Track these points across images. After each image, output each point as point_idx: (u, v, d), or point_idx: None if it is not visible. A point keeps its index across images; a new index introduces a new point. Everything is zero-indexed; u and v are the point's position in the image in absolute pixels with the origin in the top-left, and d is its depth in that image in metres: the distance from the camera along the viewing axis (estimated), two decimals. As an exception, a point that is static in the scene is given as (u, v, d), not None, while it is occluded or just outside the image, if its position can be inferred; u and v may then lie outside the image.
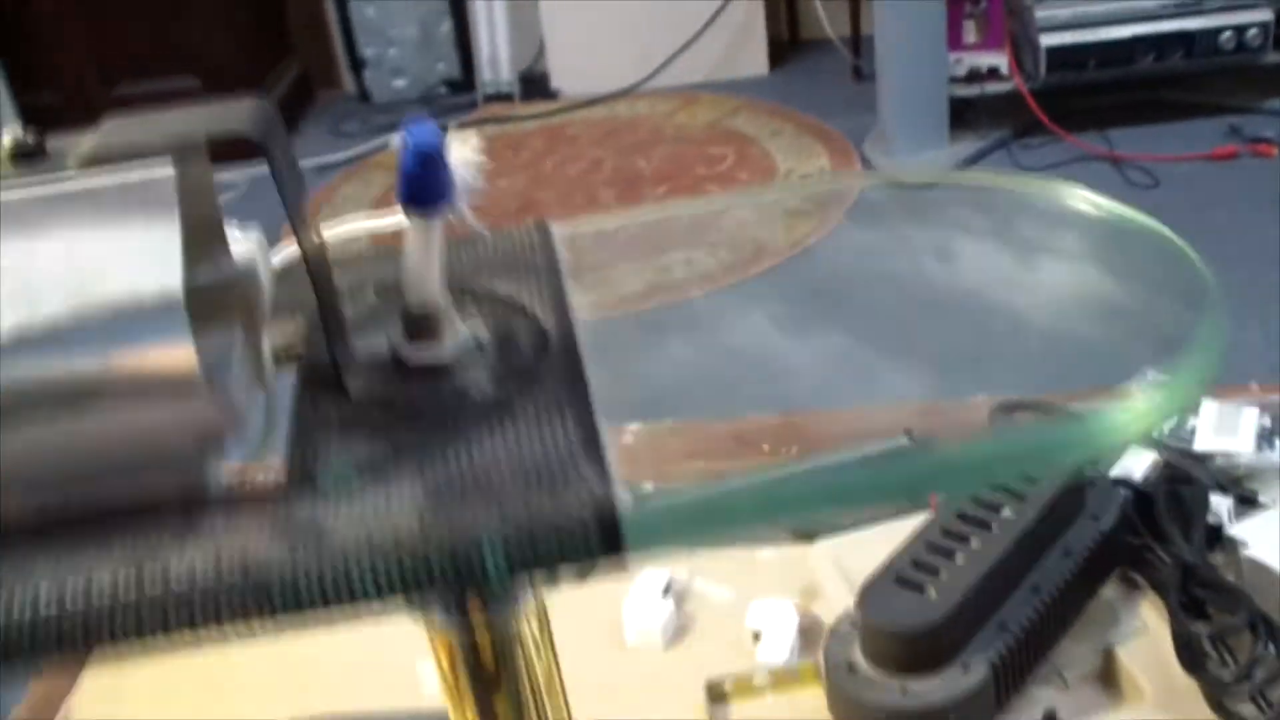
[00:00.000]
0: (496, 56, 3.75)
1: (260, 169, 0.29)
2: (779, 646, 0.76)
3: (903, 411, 0.97)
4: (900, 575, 0.68)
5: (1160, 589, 0.74)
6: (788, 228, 2.93)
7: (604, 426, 0.26)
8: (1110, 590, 0.76)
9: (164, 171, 0.28)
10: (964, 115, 2.97)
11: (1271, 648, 0.68)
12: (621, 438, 0.90)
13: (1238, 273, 2.18)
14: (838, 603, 0.76)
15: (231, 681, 0.81)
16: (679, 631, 0.80)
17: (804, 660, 0.76)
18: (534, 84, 3.77)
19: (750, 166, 3.23)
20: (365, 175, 3.47)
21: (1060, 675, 0.73)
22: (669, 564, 0.84)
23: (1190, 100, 2.98)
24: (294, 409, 0.28)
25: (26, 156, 0.29)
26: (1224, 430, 0.87)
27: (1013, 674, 0.69)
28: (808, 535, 0.85)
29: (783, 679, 0.75)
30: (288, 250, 0.33)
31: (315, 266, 0.29)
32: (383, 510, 0.24)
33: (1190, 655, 0.69)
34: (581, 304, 0.31)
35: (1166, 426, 0.89)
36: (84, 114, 0.41)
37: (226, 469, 0.26)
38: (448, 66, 3.87)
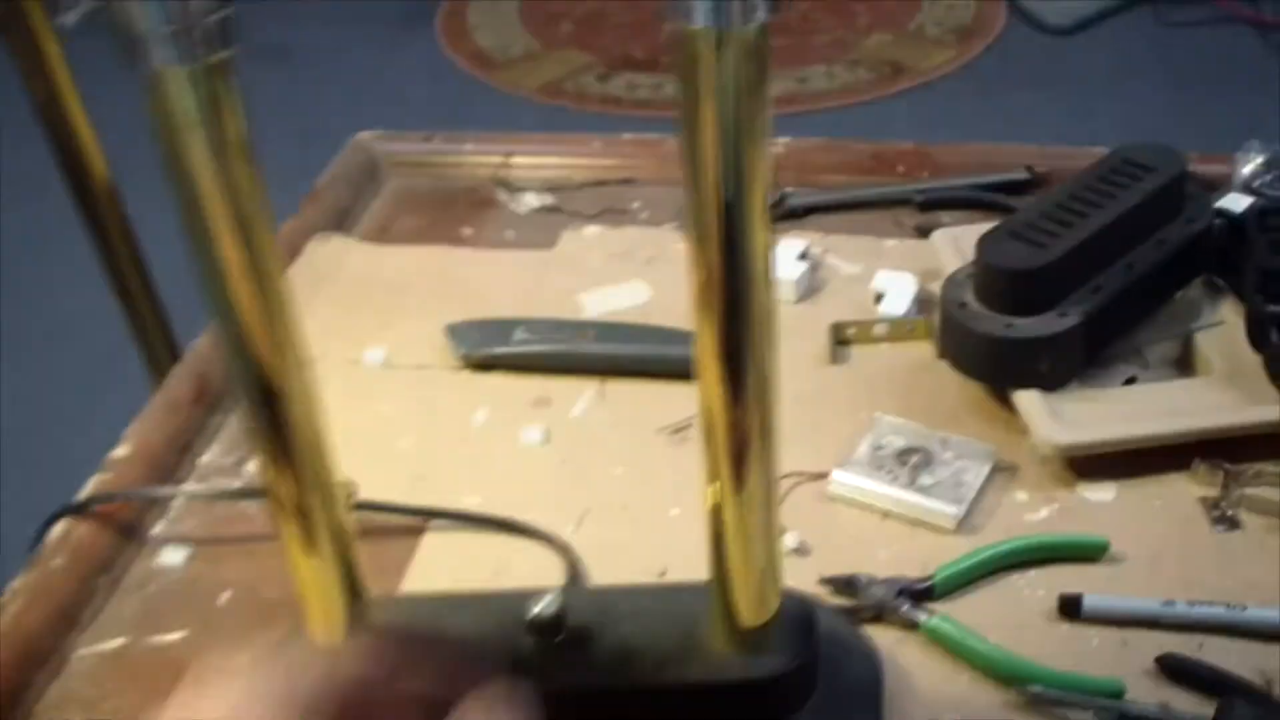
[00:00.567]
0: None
1: None
2: (899, 303, 0.88)
3: (1023, 151, 1.07)
4: (1015, 230, 0.79)
5: (1239, 288, 0.84)
6: (926, 55, 2.99)
7: None
8: (1195, 292, 0.86)
9: None
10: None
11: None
12: (773, 148, 1.02)
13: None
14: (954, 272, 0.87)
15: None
16: (810, 290, 0.92)
17: (919, 317, 0.87)
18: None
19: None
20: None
21: (1141, 354, 0.84)
22: (804, 238, 0.95)
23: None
24: None
25: None
26: (1319, 183, 0.96)
27: (1101, 330, 0.79)
28: (927, 234, 0.96)
29: (899, 329, 0.87)
30: None
31: None
32: None
33: (1259, 332, 0.79)
34: None
35: (1265, 178, 0.99)
36: None
37: None
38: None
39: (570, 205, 1.05)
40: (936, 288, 0.90)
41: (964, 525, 0.73)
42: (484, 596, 0.63)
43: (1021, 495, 0.75)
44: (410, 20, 3.36)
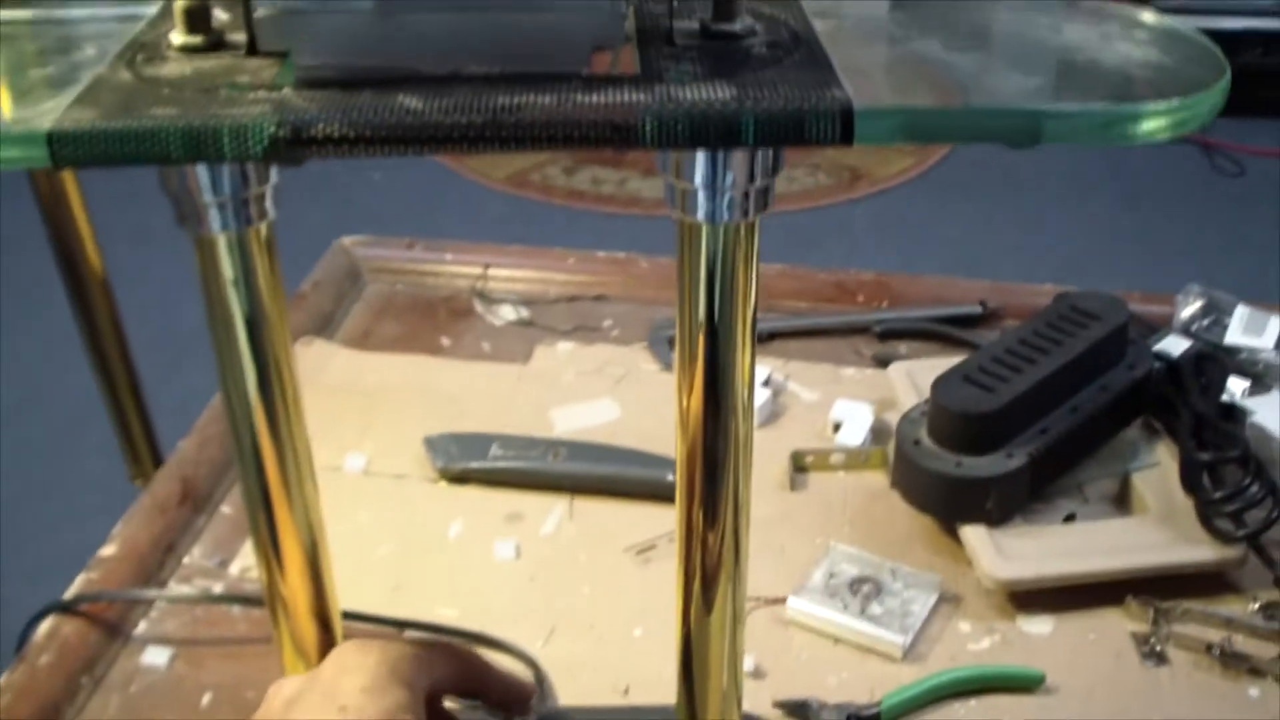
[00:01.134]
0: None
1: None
2: (855, 434, 0.93)
3: (977, 286, 1.12)
4: (968, 375, 0.85)
5: (1175, 431, 0.89)
6: (886, 162, 3.07)
7: (844, 81, 0.42)
8: (1134, 433, 0.92)
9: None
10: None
11: (1256, 486, 0.83)
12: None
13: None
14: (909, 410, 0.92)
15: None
16: (772, 415, 0.97)
17: (874, 447, 0.92)
18: None
19: None
20: None
21: (1081, 491, 0.89)
22: (767, 364, 1.00)
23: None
24: (638, 50, 0.44)
25: None
26: (1251, 330, 1.02)
27: (1045, 470, 0.85)
28: (884, 364, 1.01)
29: (855, 459, 0.92)
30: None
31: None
32: (704, 95, 0.41)
33: (1191, 477, 0.84)
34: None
35: (1203, 322, 1.05)
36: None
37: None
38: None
39: (544, 319, 1.10)
40: (891, 418, 0.95)
41: (910, 654, 0.78)
42: (455, 711, 0.66)
43: (965, 625, 0.80)
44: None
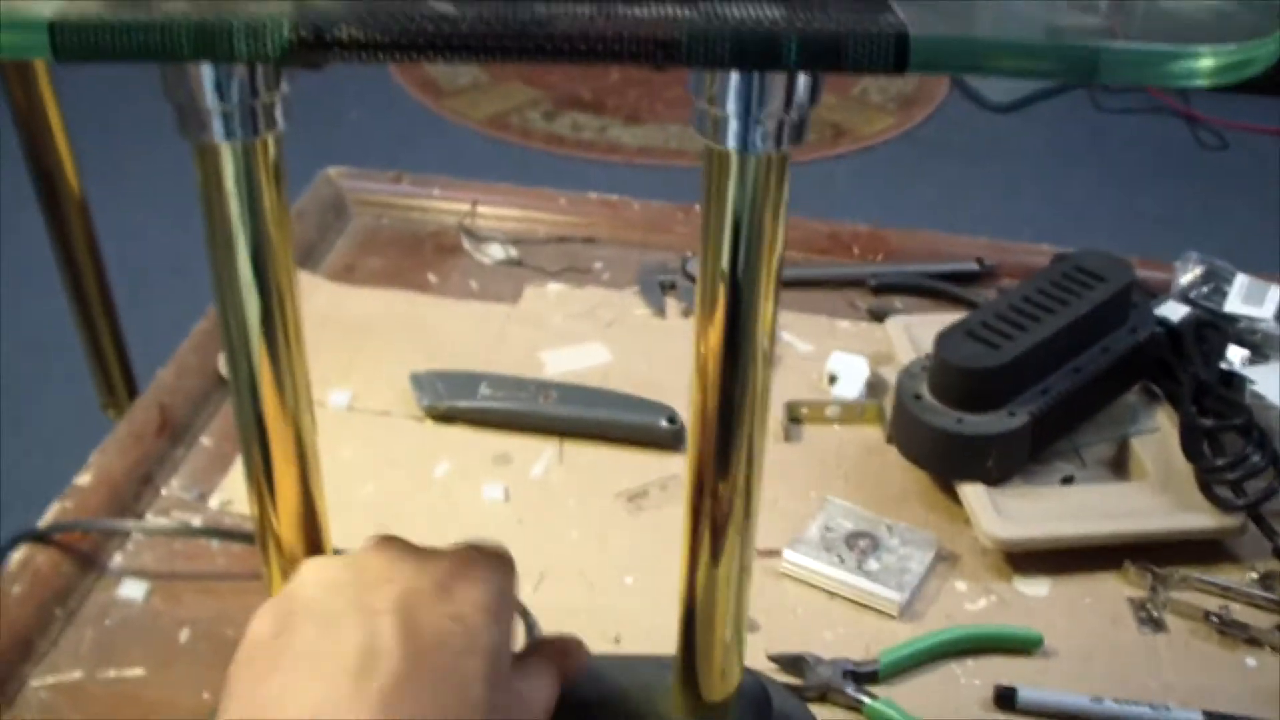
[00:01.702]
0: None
1: None
2: (850, 386, 0.91)
3: (974, 243, 1.11)
4: (971, 330, 0.83)
5: (1175, 397, 0.88)
6: (868, 120, 3.04)
7: (895, 6, 0.40)
8: (1133, 397, 0.90)
9: None
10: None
11: (1258, 455, 0.82)
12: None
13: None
14: (906, 364, 0.90)
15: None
16: (768, 366, 0.95)
17: (870, 401, 0.91)
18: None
19: None
20: None
21: (1079, 454, 0.88)
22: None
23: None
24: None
25: None
26: (1251, 300, 1.01)
27: (1046, 430, 0.83)
28: (879, 318, 1.00)
29: (850, 412, 0.90)
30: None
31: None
32: (751, 14, 0.39)
33: (1191, 443, 0.83)
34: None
35: (1202, 289, 1.04)
36: None
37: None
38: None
39: (533, 260, 1.07)
40: (887, 372, 0.94)
41: (907, 611, 0.76)
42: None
43: (961, 585, 0.78)
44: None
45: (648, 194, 1.16)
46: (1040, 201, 2.70)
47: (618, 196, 1.14)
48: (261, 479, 0.53)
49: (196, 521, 0.80)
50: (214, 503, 0.82)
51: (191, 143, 0.45)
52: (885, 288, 1.05)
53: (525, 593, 0.76)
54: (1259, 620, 0.77)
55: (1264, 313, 1.00)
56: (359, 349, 0.95)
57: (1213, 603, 0.78)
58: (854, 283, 1.06)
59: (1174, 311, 0.98)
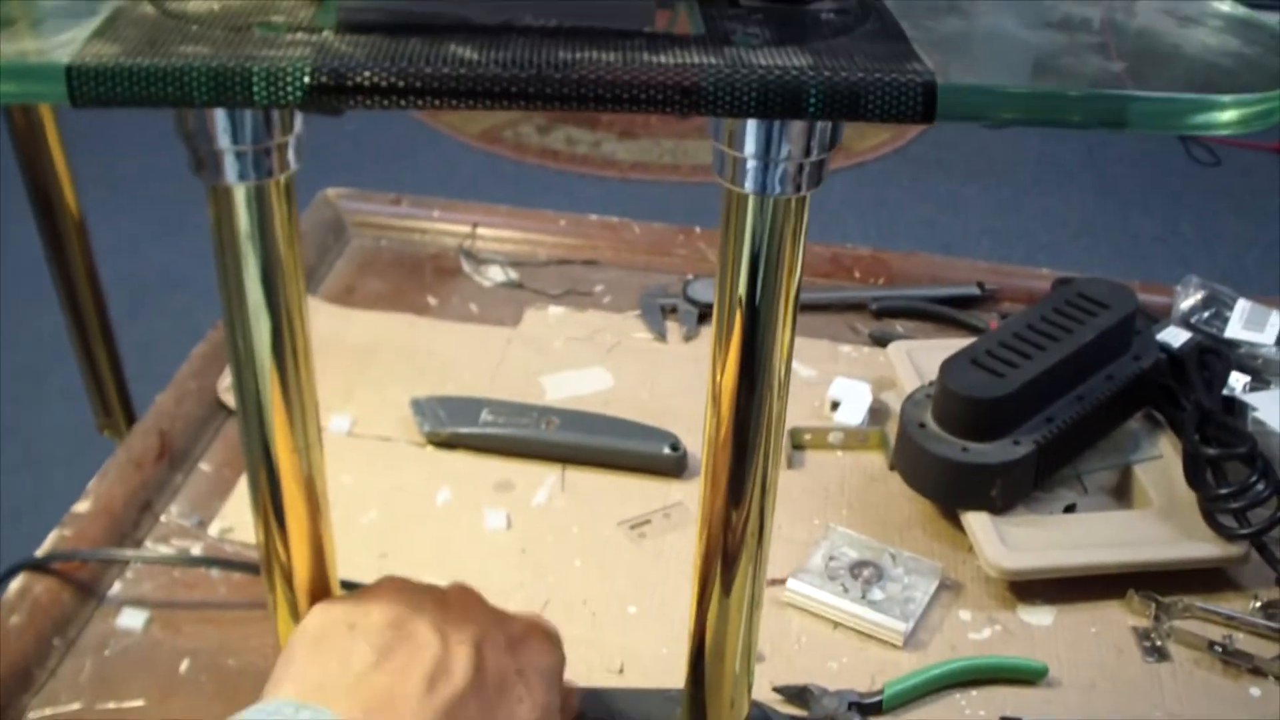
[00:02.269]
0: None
1: None
2: (853, 413, 0.91)
3: (975, 267, 1.11)
4: (976, 359, 0.83)
5: (1178, 424, 0.88)
6: (862, 136, 3.05)
7: (920, 53, 0.40)
8: (1136, 425, 0.90)
9: None
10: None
11: (1262, 484, 0.82)
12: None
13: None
14: (908, 390, 0.90)
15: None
16: (770, 392, 0.94)
17: (873, 428, 0.90)
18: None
19: None
20: None
21: (1082, 481, 0.88)
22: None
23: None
24: (700, 9, 0.42)
25: None
26: (1252, 325, 1.01)
27: (1050, 459, 0.83)
28: (881, 342, 0.99)
29: (853, 438, 0.90)
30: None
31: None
32: (776, 62, 0.38)
33: (1194, 471, 0.83)
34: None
35: (1203, 315, 1.04)
36: None
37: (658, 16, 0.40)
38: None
39: (534, 282, 1.07)
40: (889, 398, 0.93)
41: (911, 641, 0.76)
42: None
43: (965, 614, 0.78)
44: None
45: (642, 209, 1.16)
46: (1035, 218, 2.70)
47: (618, 218, 1.14)
48: (269, 507, 0.53)
49: (196, 549, 0.80)
50: (214, 530, 0.81)
51: (205, 183, 0.44)
52: (887, 311, 1.05)
53: (529, 623, 0.75)
54: (1262, 650, 0.77)
55: (1265, 338, 1.00)
56: (359, 373, 0.95)
57: (1216, 632, 0.78)
58: (855, 306, 1.06)
59: (1175, 337, 0.97)
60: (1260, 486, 0.81)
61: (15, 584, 0.75)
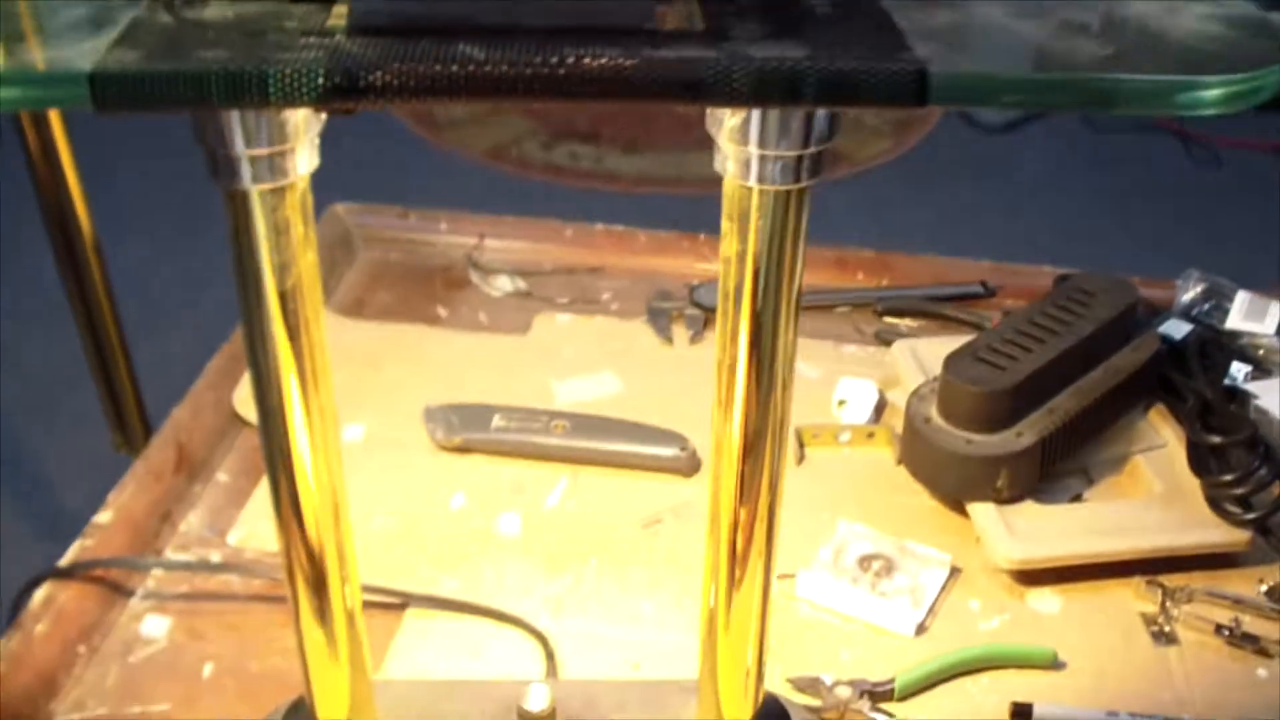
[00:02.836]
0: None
1: None
2: (860, 411, 0.92)
3: (978, 266, 1.12)
4: (979, 353, 0.84)
5: (1181, 413, 0.89)
6: (863, 143, 3.05)
7: (913, 42, 0.41)
8: (1137, 414, 0.91)
9: None
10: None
11: (1265, 470, 0.83)
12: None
13: None
14: (913, 386, 0.91)
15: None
16: (776, 391, 0.96)
17: (879, 425, 0.92)
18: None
19: None
20: None
21: (1087, 472, 0.89)
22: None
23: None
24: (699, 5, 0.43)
25: None
26: (1252, 316, 1.02)
27: (1054, 450, 0.84)
28: (886, 342, 1.01)
29: (860, 435, 0.91)
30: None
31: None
32: (776, 53, 0.40)
33: (1198, 459, 0.84)
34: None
35: (1203, 307, 1.05)
36: None
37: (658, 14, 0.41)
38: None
39: (542, 291, 1.09)
40: (895, 395, 0.95)
41: (921, 631, 0.77)
42: (477, 685, 0.65)
43: (974, 603, 0.79)
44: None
45: (649, 221, 1.17)
46: (1038, 221, 2.71)
47: (623, 226, 1.15)
48: (290, 514, 0.54)
49: (215, 557, 0.81)
50: (232, 538, 0.82)
51: (222, 188, 0.46)
52: (891, 311, 1.07)
53: (544, 623, 0.76)
54: (1269, 632, 0.78)
55: (1265, 328, 1.01)
56: (371, 383, 0.96)
57: (1223, 615, 0.79)
58: (860, 306, 1.07)
59: (1177, 329, 0.99)
60: (1263, 472, 0.82)
61: (40, 593, 0.76)
